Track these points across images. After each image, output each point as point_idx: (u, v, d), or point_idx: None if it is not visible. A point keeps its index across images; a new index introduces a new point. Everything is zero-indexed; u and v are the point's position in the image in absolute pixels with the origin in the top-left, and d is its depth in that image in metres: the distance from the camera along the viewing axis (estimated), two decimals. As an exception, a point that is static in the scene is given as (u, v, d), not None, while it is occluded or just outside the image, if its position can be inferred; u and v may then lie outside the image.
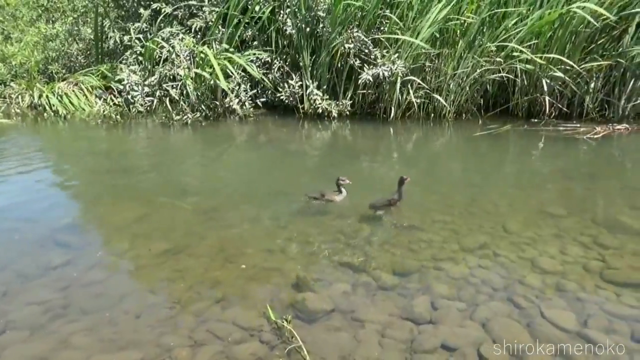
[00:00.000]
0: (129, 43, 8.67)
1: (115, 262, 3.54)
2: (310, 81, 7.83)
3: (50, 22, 12.66)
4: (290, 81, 7.91)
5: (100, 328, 2.80)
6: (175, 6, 8.40)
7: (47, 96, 8.93)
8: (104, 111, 8.44)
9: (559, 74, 7.22)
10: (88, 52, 10.57)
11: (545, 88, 7.34)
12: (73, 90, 9.07)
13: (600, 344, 2.65)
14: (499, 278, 3.31)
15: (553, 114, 7.62)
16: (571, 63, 7.13)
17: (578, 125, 7.33)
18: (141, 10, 8.77)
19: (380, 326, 2.81)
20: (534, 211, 4.46)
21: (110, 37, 9.16)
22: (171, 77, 8.15)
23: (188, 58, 7.91)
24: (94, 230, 4.22)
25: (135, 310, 2.95)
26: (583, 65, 7.27)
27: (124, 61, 8.71)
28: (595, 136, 6.85)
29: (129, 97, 8.28)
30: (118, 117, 8.05)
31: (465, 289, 3.19)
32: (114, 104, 8.63)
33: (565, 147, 6.54)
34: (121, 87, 8.46)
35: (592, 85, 7.50)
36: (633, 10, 6.98)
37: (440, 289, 3.17)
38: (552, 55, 7.19)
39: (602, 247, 3.68)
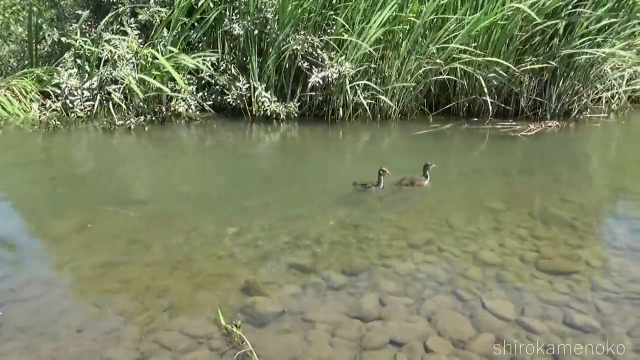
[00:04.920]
0: (67, 44, 8.26)
1: (54, 275, 3.39)
2: (258, 83, 7.78)
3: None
4: (237, 83, 7.83)
5: (38, 345, 2.67)
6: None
7: (-25, 102, 8.36)
8: (40, 117, 8.00)
9: (496, 74, 7.58)
10: (21, 55, 9.98)
11: (485, 89, 7.68)
12: (5, 95, 8.54)
13: (535, 330, 2.82)
14: (443, 272, 3.44)
15: (491, 113, 7.98)
16: (507, 64, 7.50)
17: (514, 123, 7.73)
18: (79, 10, 8.40)
19: (330, 326, 2.85)
20: (475, 206, 4.67)
21: (48, 37, 8.68)
22: (112, 80, 7.85)
23: (131, 60, 7.65)
24: (30, 242, 4.00)
25: (77, 324, 2.83)
26: (518, 66, 7.67)
27: (61, 64, 8.30)
28: (529, 133, 7.25)
29: (67, 101, 7.91)
30: (57, 123, 7.67)
31: (412, 284, 3.29)
32: (52, 109, 8.20)
33: (503, 145, 6.89)
34: (58, 91, 8.06)
35: (526, 85, 7.93)
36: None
37: (388, 285, 3.25)
38: (489, 58, 7.53)
39: (536, 239, 3.91)
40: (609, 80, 8.39)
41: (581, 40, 7.53)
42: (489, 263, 3.55)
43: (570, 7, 7.45)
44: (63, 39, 8.39)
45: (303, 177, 5.57)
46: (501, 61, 7.50)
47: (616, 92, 8.60)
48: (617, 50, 7.55)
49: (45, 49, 9.23)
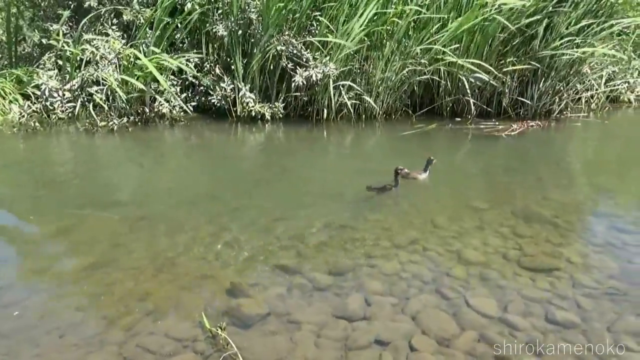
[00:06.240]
0: (47, 45, 8.12)
1: (35, 280, 3.32)
2: (243, 84, 7.75)
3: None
4: (222, 84, 7.79)
5: (19, 351, 2.62)
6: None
7: (-48, 103, 8.16)
8: (20, 119, 7.86)
9: (479, 75, 7.67)
10: (0, 56, 9.80)
11: (468, 89, 7.77)
12: (-17, 97, 8.36)
13: (518, 326, 2.86)
14: (428, 272, 3.47)
15: (474, 113, 8.07)
16: (487, 65, 7.58)
17: (497, 123, 7.83)
18: (60, 10, 8.27)
19: (316, 326, 2.85)
20: (460, 206, 4.71)
21: (28, 38, 8.52)
22: (94, 80, 7.75)
23: (114, 61, 7.56)
24: (9, 247, 3.91)
25: (59, 329, 2.79)
26: (499, 67, 7.77)
27: (41, 65, 8.17)
28: (512, 133, 7.35)
29: (48, 103, 7.78)
30: (37, 124, 7.53)
31: (397, 284, 3.31)
32: (33, 110, 8.05)
33: (486, 144, 6.97)
34: (38, 93, 7.92)
35: (508, 85, 8.04)
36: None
37: (373, 285, 3.27)
38: (471, 60, 7.61)
39: (519, 237, 3.97)
40: (589, 81, 8.56)
41: (561, 42, 7.66)
42: (472, 262, 3.59)
43: (550, 8, 7.57)
44: (44, 40, 8.25)
45: (288, 177, 5.56)
46: (483, 63, 7.59)
47: (595, 92, 8.77)
48: (595, 49, 7.70)
49: (26, 50, 9.05)
